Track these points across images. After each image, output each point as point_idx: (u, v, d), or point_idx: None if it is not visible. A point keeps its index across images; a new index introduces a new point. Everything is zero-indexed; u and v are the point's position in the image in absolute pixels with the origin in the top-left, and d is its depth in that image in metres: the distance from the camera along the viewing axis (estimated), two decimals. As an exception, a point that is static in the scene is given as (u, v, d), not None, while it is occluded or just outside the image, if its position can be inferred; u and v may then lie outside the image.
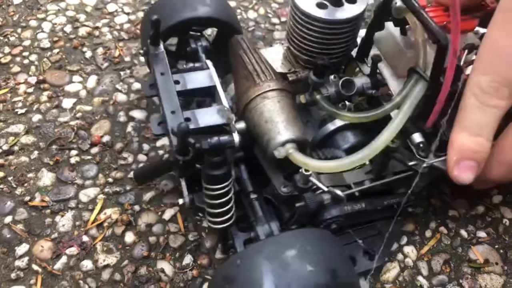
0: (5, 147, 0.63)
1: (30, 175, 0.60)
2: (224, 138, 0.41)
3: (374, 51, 0.53)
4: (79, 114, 0.67)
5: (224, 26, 0.58)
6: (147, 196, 0.59)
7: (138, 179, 0.57)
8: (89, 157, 0.62)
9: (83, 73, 0.72)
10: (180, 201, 0.50)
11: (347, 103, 0.50)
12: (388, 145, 0.43)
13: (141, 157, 0.63)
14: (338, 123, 0.50)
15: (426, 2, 0.48)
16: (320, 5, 0.47)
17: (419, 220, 0.58)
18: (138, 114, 0.67)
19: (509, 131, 0.44)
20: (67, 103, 0.68)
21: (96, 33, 0.77)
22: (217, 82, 0.49)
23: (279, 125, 0.45)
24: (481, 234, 0.57)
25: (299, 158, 0.44)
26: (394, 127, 0.43)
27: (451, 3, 0.35)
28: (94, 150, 0.63)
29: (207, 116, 0.45)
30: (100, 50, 0.75)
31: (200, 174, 0.44)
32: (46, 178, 0.60)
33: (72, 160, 0.62)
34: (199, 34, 0.58)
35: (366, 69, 0.52)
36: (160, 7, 0.58)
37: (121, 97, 0.69)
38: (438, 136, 0.44)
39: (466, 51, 0.47)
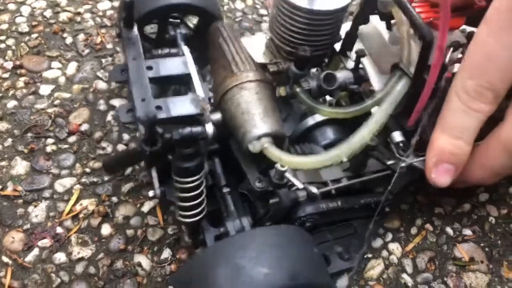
0: (-24, 132, 0.60)
1: (3, 163, 0.58)
2: (197, 129, 0.40)
3: (358, 46, 0.52)
4: (57, 101, 0.64)
5: (205, 14, 0.56)
6: (126, 187, 0.57)
7: (107, 168, 0.55)
8: (66, 146, 0.60)
9: (63, 59, 0.69)
10: (151, 193, 0.48)
11: (328, 98, 0.48)
12: (366, 142, 0.42)
13: (121, 147, 0.61)
14: (318, 118, 0.48)
15: None
16: None
17: (404, 217, 0.56)
18: (118, 102, 0.65)
19: (492, 136, 0.44)
20: (45, 89, 0.66)
21: (78, 18, 0.75)
22: (192, 69, 0.47)
23: (255, 117, 0.43)
24: (467, 232, 0.56)
25: (274, 152, 0.42)
26: (373, 124, 0.42)
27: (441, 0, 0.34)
28: (72, 138, 0.61)
29: (180, 105, 0.43)
30: (81, 36, 0.72)
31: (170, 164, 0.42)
32: (20, 166, 0.58)
33: (48, 149, 0.59)
34: (178, 21, 0.56)
35: (350, 64, 0.51)
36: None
37: (101, 85, 0.66)
38: (416, 135, 0.43)
39: (451, 49, 0.46)
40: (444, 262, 0.54)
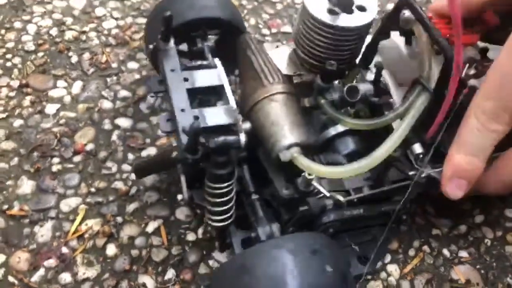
0: (-17, 152, 0.61)
1: (9, 182, 0.59)
2: (231, 138, 0.42)
3: (376, 59, 0.54)
4: (62, 121, 0.65)
5: (231, 27, 0.59)
6: (130, 207, 0.58)
7: (137, 172, 0.56)
8: (72, 165, 0.61)
9: (68, 78, 0.70)
10: (179, 197, 0.50)
11: (349, 109, 0.51)
12: (390, 153, 0.44)
13: (126, 167, 0.61)
14: (339, 128, 0.51)
15: (432, 14, 0.49)
16: (331, 11, 0.48)
17: (403, 238, 0.58)
18: (123, 122, 0.66)
19: (508, 153, 0.46)
20: (51, 108, 0.66)
21: (83, 37, 0.76)
22: (225, 81, 0.49)
23: (285, 128, 0.45)
24: (463, 254, 0.58)
25: (303, 162, 0.44)
26: (397, 137, 0.44)
27: (452, 16, 0.36)
28: (77, 158, 0.62)
29: (215, 115, 0.45)
30: (86, 55, 0.73)
31: (200, 171, 0.44)
32: (26, 186, 0.58)
33: (54, 168, 0.60)
34: (203, 34, 0.59)
35: (369, 76, 0.53)
36: (167, 5, 0.59)
37: (106, 104, 0.67)
38: (432, 149, 0.45)
39: (467, 65, 0.48)
40: (441, 284, 0.55)
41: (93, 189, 0.59)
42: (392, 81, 0.52)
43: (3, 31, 0.75)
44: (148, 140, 0.65)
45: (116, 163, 0.62)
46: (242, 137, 0.43)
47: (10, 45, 0.73)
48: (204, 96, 0.51)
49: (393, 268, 0.55)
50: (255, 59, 0.50)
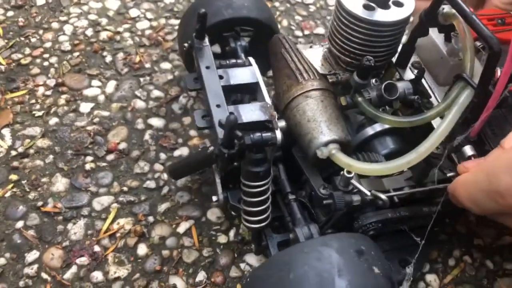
0: (20, 150, 0.62)
1: (44, 179, 0.59)
2: (267, 134, 0.42)
3: (414, 58, 0.53)
4: (96, 119, 0.65)
5: (265, 27, 0.59)
6: (162, 207, 0.57)
7: (172, 173, 0.56)
8: (105, 164, 0.61)
9: (102, 78, 0.71)
10: (214, 198, 0.50)
11: (387, 108, 0.49)
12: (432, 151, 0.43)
13: (158, 167, 0.61)
14: (377, 127, 0.50)
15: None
16: (367, 7, 0.47)
17: (442, 247, 0.55)
18: (156, 122, 0.66)
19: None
20: (85, 107, 0.67)
21: (117, 37, 0.77)
22: (260, 79, 0.49)
23: (322, 124, 0.45)
24: (509, 266, 0.54)
25: (342, 159, 0.43)
26: (440, 133, 0.43)
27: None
28: (110, 157, 0.62)
29: (250, 112, 0.45)
30: (120, 55, 0.74)
31: (235, 172, 0.44)
32: (60, 183, 0.59)
33: (87, 167, 0.61)
34: (236, 34, 0.59)
35: (407, 76, 0.52)
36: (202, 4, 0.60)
37: (139, 104, 0.67)
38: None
39: None
40: (485, 297, 0.52)
41: (125, 188, 0.59)
42: (430, 80, 0.50)
43: (41, 31, 0.77)
44: (180, 140, 0.64)
45: (148, 162, 0.61)
46: (278, 134, 0.43)
47: (47, 45, 0.75)
48: (239, 94, 0.51)
49: (432, 278, 0.53)
50: (289, 58, 0.49)
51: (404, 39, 0.51)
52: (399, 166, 0.42)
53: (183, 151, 0.63)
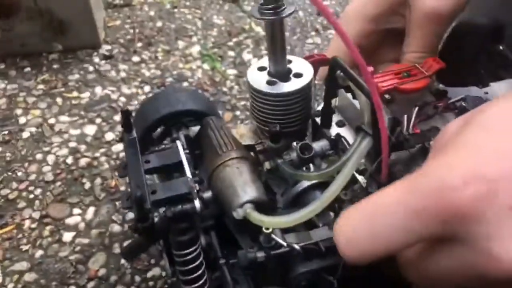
0: (10, 286, 0.68)
1: (31, 315, 0.65)
2: (186, 205, 0.47)
3: (339, 117, 0.57)
4: (77, 248, 0.73)
5: (199, 115, 0.66)
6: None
7: (126, 256, 0.62)
8: (86, 292, 0.68)
9: (83, 205, 0.79)
10: (163, 273, 0.53)
11: (311, 165, 0.53)
12: (341, 197, 0.46)
13: (133, 290, 0.68)
14: (304, 184, 0.53)
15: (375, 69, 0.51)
16: (270, 82, 0.53)
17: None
18: (132, 245, 0.73)
19: None
20: (67, 236, 0.75)
21: (95, 163, 0.86)
22: (182, 156, 0.55)
23: (238, 188, 0.49)
24: None
25: (256, 216, 0.47)
26: (341, 180, 0.45)
27: (352, 55, 0.37)
28: (91, 284, 0.68)
29: (172, 188, 0.50)
30: (98, 181, 0.82)
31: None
32: (46, 316, 0.65)
33: (71, 297, 0.67)
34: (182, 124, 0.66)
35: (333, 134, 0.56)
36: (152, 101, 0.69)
37: (116, 228, 0.75)
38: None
39: (416, 108, 0.50)
40: None
41: (105, 315, 0.65)
42: (352, 134, 0.54)
43: (26, 164, 0.86)
44: (152, 261, 0.71)
45: (125, 286, 0.68)
46: (197, 203, 0.48)
47: (32, 177, 0.84)
48: (168, 173, 0.56)
49: None
50: (213, 135, 0.55)
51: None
52: (303, 216, 0.45)
53: (155, 272, 0.70)
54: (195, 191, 0.50)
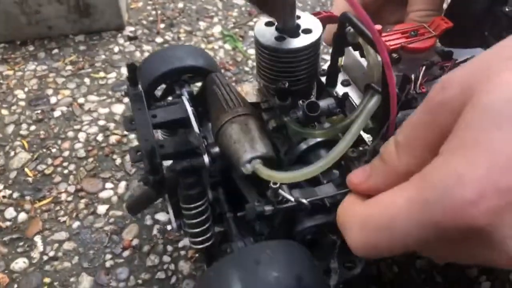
0: (51, 254, 0.73)
1: (72, 279, 0.70)
2: (195, 160, 0.48)
3: (344, 77, 0.57)
4: (111, 220, 0.77)
5: (202, 71, 0.66)
6: (174, 299, 0.67)
7: (130, 210, 0.62)
8: (121, 260, 0.72)
9: (114, 180, 0.83)
10: (169, 227, 0.55)
11: (316, 124, 0.53)
12: (349, 155, 0.45)
13: (166, 258, 0.71)
14: (310, 142, 0.54)
15: (382, 28, 0.51)
16: (279, 38, 0.52)
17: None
18: (162, 216, 0.76)
19: None
20: (101, 209, 0.78)
21: (124, 140, 0.89)
22: (189, 112, 0.55)
23: (245, 144, 0.49)
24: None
25: (264, 172, 0.47)
26: (350, 138, 0.45)
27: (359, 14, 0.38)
28: (126, 253, 0.72)
29: (180, 142, 0.51)
30: (127, 157, 0.86)
31: None
32: (86, 282, 0.70)
33: (107, 264, 0.71)
34: (184, 81, 0.66)
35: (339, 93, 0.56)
36: (153, 58, 0.69)
37: (147, 201, 0.79)
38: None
39: (423, 68, 0.49)
40: None
41: (140, 281, 0.69)
42: (358, 94, 0.55)
43: (59, 141, 0.89)
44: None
45: (158, 255, 0.72)
46: (206, 158, 0.49)
47: (66, 153, 0.87)
48: (175, 128, 0.57)
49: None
50: (219, 92, 0.55)
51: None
52: (312, 172, 0.45)
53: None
54: (203, 146, 0.51)
